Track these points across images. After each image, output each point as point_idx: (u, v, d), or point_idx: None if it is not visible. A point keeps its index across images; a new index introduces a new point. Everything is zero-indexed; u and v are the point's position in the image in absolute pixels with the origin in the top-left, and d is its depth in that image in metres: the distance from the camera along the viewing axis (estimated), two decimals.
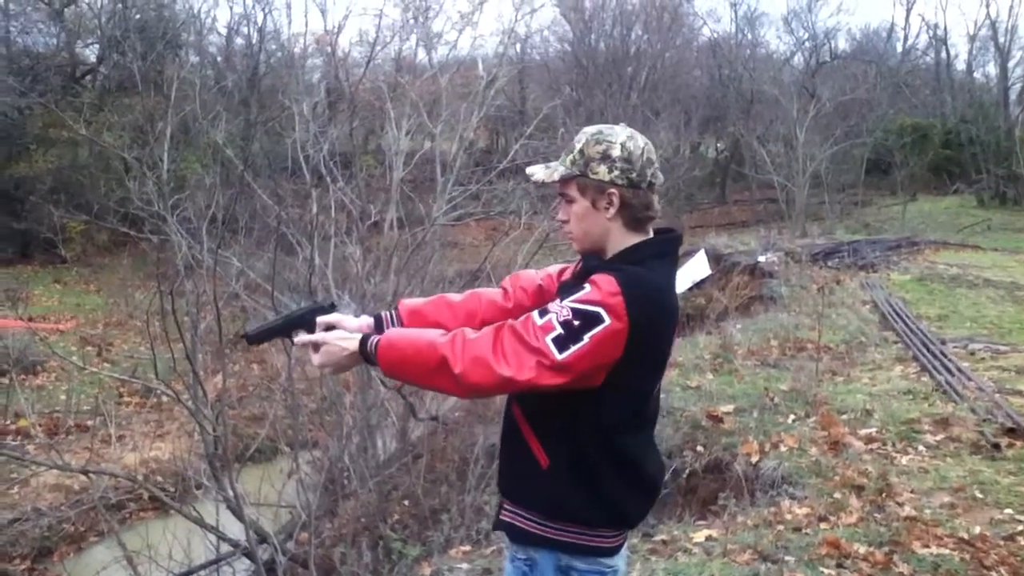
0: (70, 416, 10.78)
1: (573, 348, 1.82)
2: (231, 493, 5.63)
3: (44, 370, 12.60)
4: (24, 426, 9.46)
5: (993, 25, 31.01)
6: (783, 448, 5.57)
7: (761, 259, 15.82)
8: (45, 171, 20.25)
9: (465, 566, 4.46)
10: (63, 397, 11.47)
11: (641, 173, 1.98)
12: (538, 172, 2.10)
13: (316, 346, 2.07)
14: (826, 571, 3.82)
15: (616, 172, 1.97)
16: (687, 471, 5.78)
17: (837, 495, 4.71)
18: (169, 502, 6.27)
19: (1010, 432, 5.61)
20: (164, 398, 9.25)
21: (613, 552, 2.04)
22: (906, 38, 37.64)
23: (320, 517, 6.25)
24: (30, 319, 13.72)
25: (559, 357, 1.82)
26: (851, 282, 13.18)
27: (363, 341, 2.00)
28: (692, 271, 15.33)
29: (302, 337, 2.12)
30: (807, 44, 37.81)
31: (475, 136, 10.90)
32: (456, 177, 8.63)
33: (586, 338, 1.82)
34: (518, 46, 27.05)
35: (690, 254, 16.00)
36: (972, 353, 8.23)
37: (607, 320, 1.83)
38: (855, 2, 59.16)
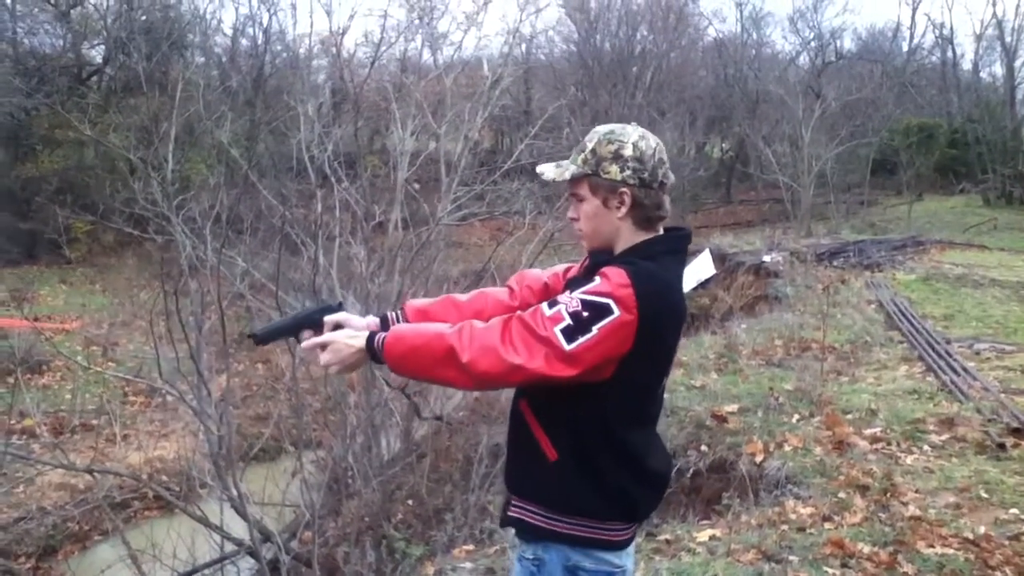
0: (75, 415, 10.80)
1: (581, 339, 1.83)
2: (235, 492, 5.64)
3: (49, 370, 12.63)
4: (29, 425, 9.47)
5: (999, 24, 30.92)
6: (787, 448, 5.56)
7: (766, 259, 15.80)
8: (51, 172, 20.29)
9: (469, 565, 4.46)
10: (68, 396, 11.49)
11: (653, 173, 1.99)
12: (549, 171, 2.10)
13: (323, 345, 2.07)
14: (830, 571, 3.81)
15: (628, 172, 1.98)
16: (691, 471, 5.78)
17: (842, 495, 4.70)
18: (173, 501, 6.28)
19: (1015, 432, 5.59)
20: (169, 398, 9.26)
21: (622, 546, 2.04)
22: (912, 37, 37.57)
23: (324, 516, 6.25)
24: (35, 319, 13.73)
25: (568, 348, 1.82)
26: (856, 282, 13.15)
27: (370, 338, 2.00)
28: (697, 271, 15.27)
29: (310, 340, 2.12)
30: (813, 44, 37.77)
31: (480, 136, 10.88)
32: (461, 177, 8.63)
33: (595, 329, 1.83)
34: (523, 46, 27.01)
35: (695, 254, 15.90)
36: (977, 353, 8.21)
37: (616, 312, 1.84)
38: (861, 2, 59.08)
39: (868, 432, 5.75)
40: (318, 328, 2.17)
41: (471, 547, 4.97)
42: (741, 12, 38.33)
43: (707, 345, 8.99)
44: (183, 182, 12.24)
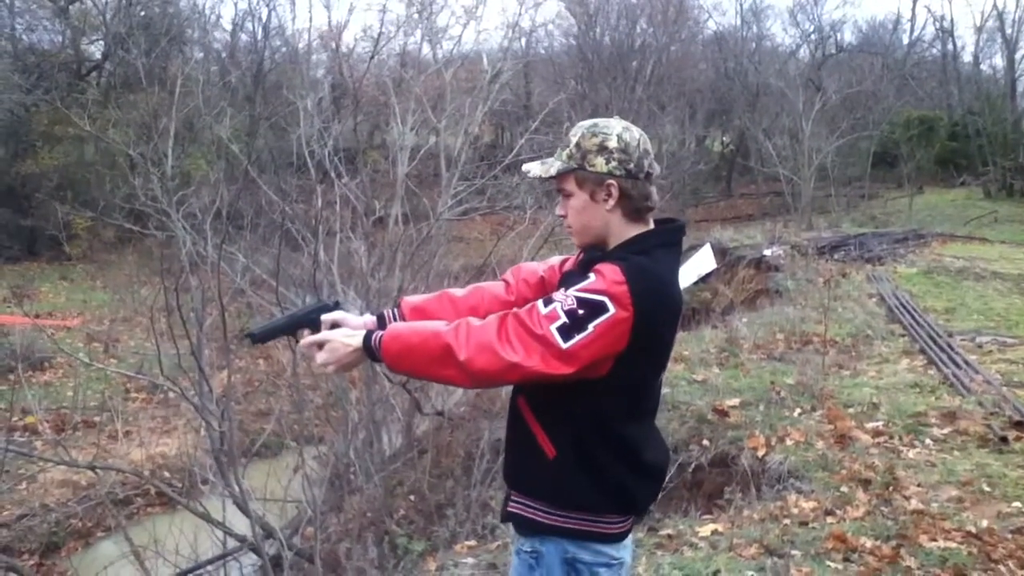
0: (77, 412, 10.81)
1: (577, 337, 1.83)
2: (237, 488, 5.64)
3: (51, 367, 12.64)
4: (31, 423, 9.49)
5: (1000, 16, 30.82)
6: (789, 442, 5.56)
7: (767, 252, 15.77)
8: (51, 168, 20.28)
9: (470, 561, 4.46)
10: (70, 393, 11.50)
11: (638, 164, 1.99)
12: (534, 168, 2.10)
13: (320, 344, 2.07)
14: (833, 565, 3.81)
15: (614, 163, 1.97)
16: (693, 465, 5.77)
17: (844, 489, 4.70)
18: (176, 497, 6.28)
19: (1017, 425, 5.59)
20: (170, 394, 9.26)
21: (619, 538, 2.05)
22: (912, 30, 37.50)
23: (326, 512, 6.26)
24: (37, 316, 13.75)
25: (564, 346, 1.82)
26: (857, 275, 13.14)
27: (367, 337, 2.00)
28: (698, 265, 15.31)
29: (307, 339, 2.12)
30: (813, 37, 37.72)
31: (480, 131, 10.87)
32: (461, 172, 8.62)
33: (591, 327, 1.83)
34: (522, 40, 26.93)
35: (696, 248, 15.96)
36: (979, 346, 8.20)
37: (612, 309, 1.84)
38: None
39: (870, 426, 5.75)
40: (315, 327, 2.17)
41: (473, 543, 4.97)
42: (741, 5, 38.54)
43: (708, 339, 8.99)
44: (183, 178, 12.25)
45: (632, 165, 1.98)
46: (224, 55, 28.66)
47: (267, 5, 30.17)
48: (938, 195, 28.11)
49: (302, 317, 2.23)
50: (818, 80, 30.01)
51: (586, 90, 28.82)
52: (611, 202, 1.99)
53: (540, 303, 1.89)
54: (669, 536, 4.41)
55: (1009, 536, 4.03)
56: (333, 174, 7.81)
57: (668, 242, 2.04)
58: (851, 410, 6.11)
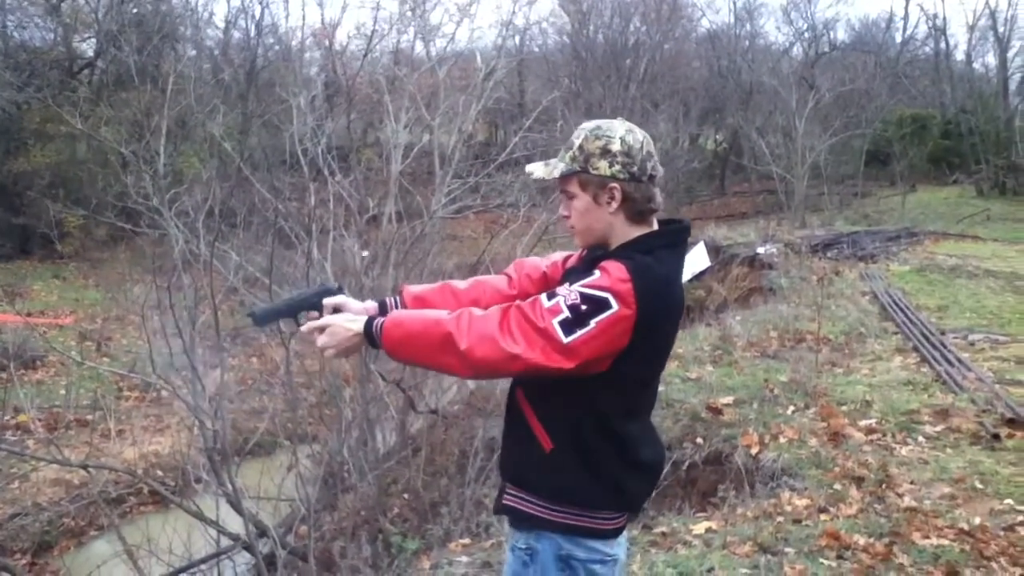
0: (69, 411, 10.77)
1: (579, 332, 1.83)
2: (230, 487, 5.63)
3: (43, 365, 12.60)
4: (24, 421, 9.44)
5: (992, 15, 30.96)
6: (783, 440, 5.57)
7: (760, 250, 15.80)
8: (43, 166, 20.18)
9: (465, 559, 4.46)
10: (62, 392, 11.46)
11: (642, 166, 1.99)
12: (538, 170, 2.11)
13: (320, 328, 2.07)
14: (826, 562, 3.81)
15: (617, 166, 1.98)
16: (687, 463, 5.77)
17: (837, 486, 4.71)
18: (169, 496, 6.26)
19: (1010, 423, 5.61)
20: (163, 393, 9.24)
21: (614, 535, 2.06)
22: (905, 28, 37.69)
23: (320, 511, 6.25)
24: (29, 314, 13.70)
25: (565, 340, 1.83)
26: (850, 273, 13.17)
27: (368, 323, 2.00)
28: (691, 263, 15.31)
29: (309, 323, 2.12)
30: (806, 35, 37.87)
31: (474, 129, 10.86)
32: (455, 170, 8.61)
33: (593, 323, 1.83)
34: (516, 38, 26.95)
35: (689, 246, 15.92)
36: (972, 344, 8.23)
37: (615, 306, 1.84)
38: None
39: (863, 423, 5.76)
40: (318, 311, 2.17)
41: (467, 541, 4.97)
42: (734, 3, 38.48)
43: (702, 337, 9.00)
44: (175, 176, 12.18)
45: (635, 168, 1.98)
46: (217, 53, 28.57)
47: (260, 2, 30.10)
48: (931, 193, 28.19)
49: (304, 300, 2.23)
50: (811, 78, 30.04)
51: (580, 88, 28.87)
52: (614, 205, 2.00)
53: (544, 296, 1.90)
54: (663, 534, 4.42)
55: (1001, 533, 4.04)
56: (326, 172, 7.80)
57: (672, 243, 2.05)
58: (844, 408, 6.12)
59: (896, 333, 8.86)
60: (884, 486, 4.64)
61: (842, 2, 66.49)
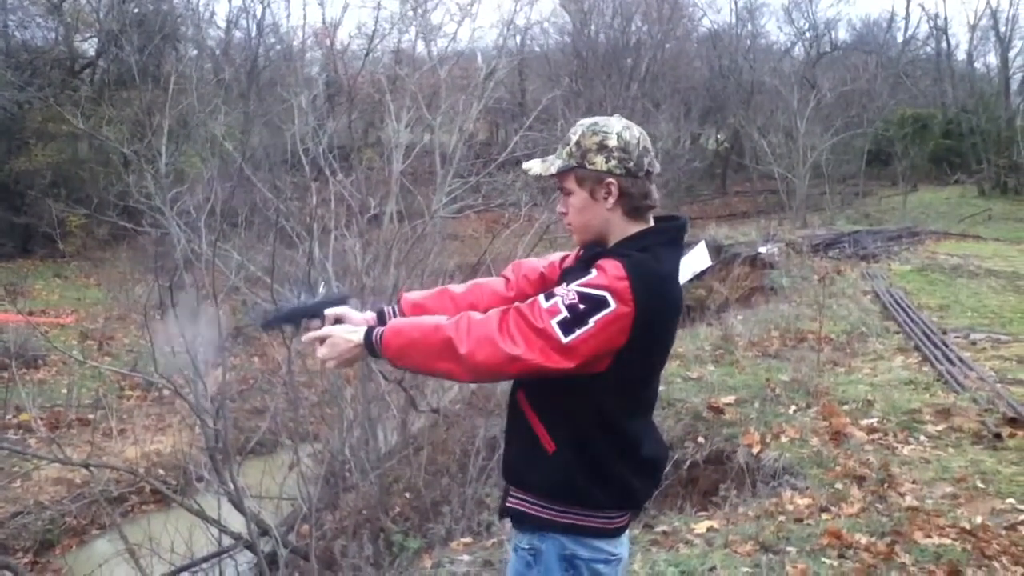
0: (71, 410, 10.78)
1: (578, 332, 1.83)
2: (232, 486, 5.63)
3: (45, 364, 12.61)
4: (25, 420, 9.46)
5: (994, 14, 30.95)
6: (784, 439, 5.57)
7: (762, 250, 15.79)
8: (44, 165, 20.19)
9: (466, 558, 4.46)
10: (64, 391, 11.47)
11: (638, 162, 1.99)
12: (535, 166, 2.11)
13: (321, 339, 2.09)
14: (828, 562, 3.82)
15: (613, 162, 1.98)
16: (688, 462, 5.78)
17: (839, 485, 4.71)
18: (170, 495, 6.26)
19: (1011, 422, 5.60)
20: (165, 392, 9.25)
21: (617, 533, 2.06)
22: (906, 28, 37.60)
23: (321, 510, 6.25)
24: (30, 313, 13.70)
25: (564, 340, 1.83)
26: (852, 273, 13.17)
27: (368, 333, 2.01)
28: (693, 262, 15.26)
29: (310, 335, 2.13)
30: (807, 34, 37.82)
31: (475, 128, 10.86)
32: (456, 169, 8.60)
33: (591, 322, 1.84)
34: (517, 38, 26.94)
35: (690, 245, 15.92)
36: (973, 343, 8.22)
37: (613, 305, 1.84)
38: None
39: (865, 423, 5.76)
40: (322, 319, 2.17)
41: (468, 540, 4.97)
42: (735, 3, 38.40)
43: (703, 337, 9.00)
44: (177, 175, 12.21)
45: (632, 164, 1.98)
46: (218, 52, 28.56)
47: (261, 2, 30.06)
48: (932, 193, 28.17)
49: (308, 309, 2.24)
50: (812, 78, 30.02)
51: (581, 87, 28.82)
52: (611, 200, 2.00)
53: (542, 297, 1.90)
54: (664, 533, 4.42)
55: (1003, 532, 4.04)
56: (328, 171, 7.79)
57: (669, 240, 2.04)
58: (846, 407, 6.12)
59: (898, 332, 8.86)
60: (886, 485, 4.64)
61: (843, 2, 66.50)
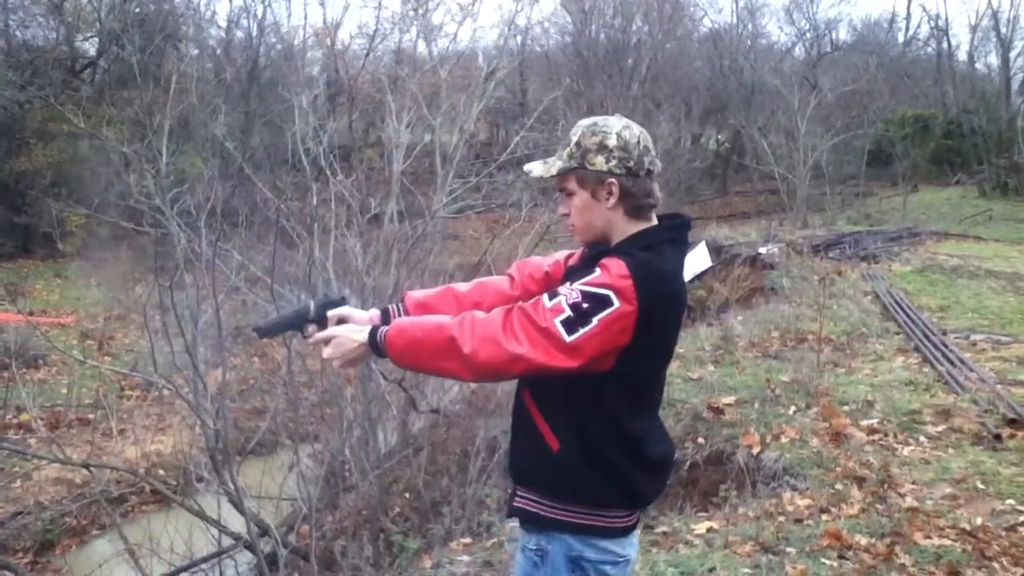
0: (71, 410, 10.78)
1: (582, 331, 1.83)
2: (232, 486, 5.63)
3: (45, 364, 12.61)
4: (26, 420, 9.46)
5: (995, 15, 30.94)
6: (784, 439, 5.56)
7: (762, 250, 15.79)
8: (45, 165, 20.22)
9: (466, 558, 4.45)
10: (64, 391, 11.47)
11: (639, 161, 1.99)
12: (536, 168, 2.11)
13: (326, 340, 2.09)
14: (827, 562, 3.81)
15: (614, 162, 1.98)
16: (688, 463, 5.77)
17: (839, 486, 4.71)
18: (170, 495, 6.27)
19: (1012, 423, 5.60)
20: (165, 392, 9.25)
21: (625, 533, 2.05)
22: (907, 28, 37.61)
23: (321, 510, 6.25)
24: (31, 313, 13.71)
25: (568, 339, 1.83)
26: (852, 273, 13.16)
27: (372, 332, 2.01)
28: (693, 263, 15.27)
29: (315, 335, 2.13)
30: (808, 35, 37.81)
31: (475, 128, 10.87)
32: (456, 169, 8.61)
33: (595, 321, 1.83)
34: (518, 38, 26.96)
35: (691, 246, 15.90)
36: (973, 344, 8.22)
37: (616, 303, 1.84)
38: None
39: (865, 423, 5.76)
40: (322, 322, 2.18)
41: (468, 540, 4.97)
42: (736, 3, 38.25)
43: (703, 337, 8.99)
44: (178, 175, 12.18)
45: (632, 163, 1.98)
46: (219, 52, 28.59)
47: (262, 2, 30.17)
48: (933, 193, 28.16)
49: (309, 312, 2.24)
50: (813, 78, 30.03)
51: (582, 87, 28.86)
52: (612, 200, 2.00)
53: (545, 296, 1.90)
54: (664, 533, 4.42)
55: (1003, 533, 4.04)
56: (328, 171, 7.80)
57: (673, 238, 2.04)
58: (846, 408, 6.12)
59: (898, 333, 8.85)
60: (886, 486, 4.63)
61: (844, 2, 66.51)
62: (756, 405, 6.32)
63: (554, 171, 2.05)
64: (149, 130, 8.30)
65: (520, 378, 2.05)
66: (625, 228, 2.02)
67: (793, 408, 6.23)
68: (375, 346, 2.00)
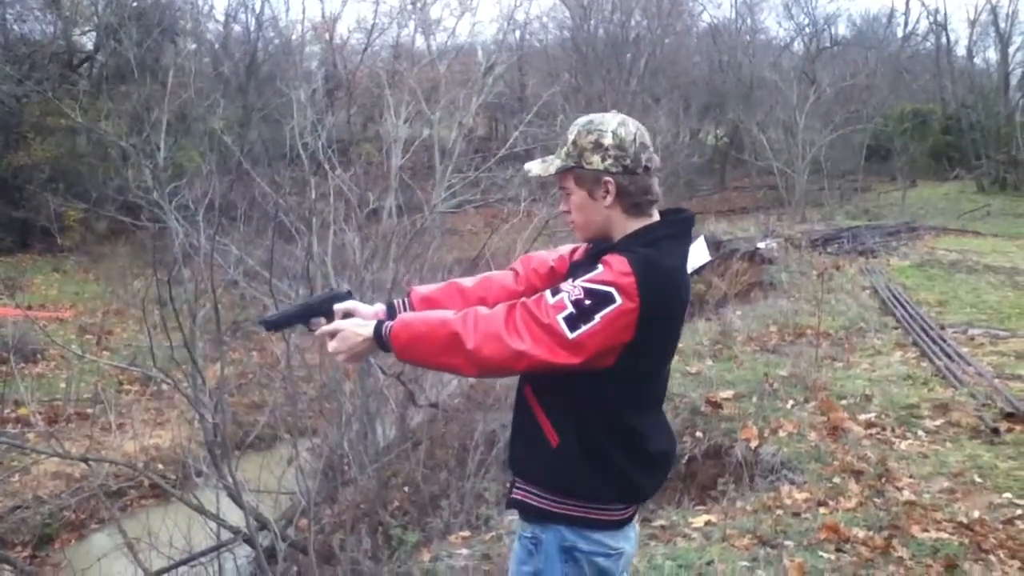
0: (70, 404, 10.77)
1: (584, 327, 1.84)
2: (231, 480, 5.63)
3: (44, 358, 12.59)
4: (24, 414, 9.45)
5: (994, 10, 30.88)
6: (782, 433, 5.58)
7: (761, 245, 15.80)
8: (43, 160, 20.15)
9: (465, 551, 4.47)
10: (63, 385, 11.46)
11: (635, 159, 1.99)
12: (535, 167, 2.13)
13: (331, 333, 2.10)
14: (825, 555, 3.83)
15: (610, 160, 1.98)
16: (686, 457, 5.79)
17: (836, 480, 4.73)
18: (169, 489, 6.28)
19: (1009, 417, 5.62)
20: (164, 386, 9.25)
21: (619, 526, 2.07)
22: (906, 23, 37.55)
23: (320, 504, 6.26)
24: (29, 308, 13.71)
25: (570, 336, 1.84)
26: (851, 268, 13.17)
27: (377, 326, 2.02)
28: (692, 257, 15.15)
29: (323, 329, 2.14)
30: (807, 30, 37.74)
31: (474, 123, 10.85)
32: (455, 164, 8.60)
33: (597, 318, 1.84)
34: (517, 32, 26.98)
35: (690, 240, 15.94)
36: (971, 338, 8.23)
37: (619, 300, 1.85)
38: None
39: (863, 417, 5.77)
40: (328, 316, 2.18)
41: (467, 533, 4.98)
42: None
43: (702, 332, 9.00)
44: (176, 169, 12.18)
45: (628, 161, 1.99)
46: (217, 46, 28.50)
47: None
48: (931, 188, 28.17)
49: (315, 306, 2.25)
50: (812, 73, 30.01)
51: (580, 83, 28.81)
52: (609, 199, 2.01)
53: (548, 293, 1.91)
54: (663, 527, 4.43)
55: (1000, 527, 4.06)
56: (327, 166, 7.78)
57: (675, 233, 2.05)
58: (844, 402, 6.13)
59: (896, 328, 8.87)
60: (883, 480, 4.65)
61: None
62: (754, 399, 6.33)
63: (552, 170, 2.06)
64: (147, 124, 8.26)
65: (522, 374, 2.06)
66: (625, 225, 2.03)
67: (791, 402, 6.24)
68: (380, 341, 2.00)
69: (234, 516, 5.99)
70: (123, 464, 7.05)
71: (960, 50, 34.70)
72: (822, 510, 4.36)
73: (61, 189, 19.24)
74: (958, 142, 29.47)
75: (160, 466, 9.25)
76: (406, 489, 6.44)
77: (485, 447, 6.10)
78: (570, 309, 1.85)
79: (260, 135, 21.12)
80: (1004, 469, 4.82)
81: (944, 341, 7.84)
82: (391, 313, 2.20)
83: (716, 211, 26.24)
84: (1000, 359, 7.39)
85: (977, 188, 27.06)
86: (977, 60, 34.43)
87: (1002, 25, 30.31)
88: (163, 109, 7.98)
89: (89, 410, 10.51)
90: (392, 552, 5.36)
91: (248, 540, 5.71)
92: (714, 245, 16.36)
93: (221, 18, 29.79)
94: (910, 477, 4.72)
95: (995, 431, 5.38)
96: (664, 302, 1.94)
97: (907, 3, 46.50)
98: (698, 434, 5.98)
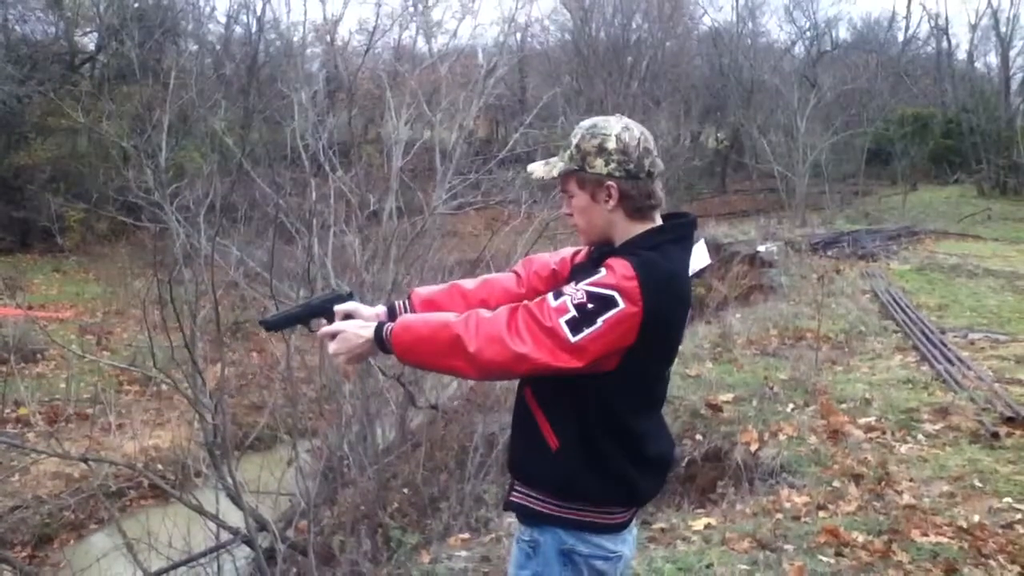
0: (70, 404, 10.76)
1: (587, 331, 1.84)
2: (230, 481, 5.63)
3: (44, 359, 12.59)
4: (24, 414, 9.45)
5: (995, 14, 30.89)
6: (782, 437, 5.58)
7: (761, 248, 15.80)
8: (44, 160, 20.19)
9: (464, 554, 4.47)
10: (63, 385, 11.46)
11: (639, 164, 1.99)
12: (537, 170, 2.13)
13: (332, 334, 2.09)
14: (825, 559, 3.82)
15: (613, 165, 1.98)
16: (686, 460, 5.79)
17: (836, 484, 4.72)
18: (169, 490, 6.26)
19: (1009, 421, 5.62)
20: (163, 387, 9.24)
21: (617, 529, 2.06)
22: (907, 27, 37.64)
23: (319, 505, 6.25)
24: (29, 308, 13.70)
25: (573, 339, 1.84)
26: (851, 272, 13.17)
27: (378, 328, 2.02)
28: (692, 261, 15.27)
29: (324, 330, 2.14)
30: (808, 33, 37.81)
31: (475, 125, 10.84)
32: (456, 166, 8.59)
33: (600, 321, 1.84)
34: (518, 35, 26.90)
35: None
36: (972, 342, 8.23)
37: (621, 304, 1.85)
38: None
39: (863, 421, 5.77)
40: (328, 317, 2.18)
41: (466, 535, 4.98)
42: (736, 1, 38.17)
43: (702, 335, 9.01)
44: (177, 170, 12.20)
45: (632, 166, 1.98)
46: (218, 48, 28.53)
47: None
48: (932, 192, 28.16)
49: (316, 307, 2.25)
50: (813, 77, 30.02)
51: (581, 85, 28.84)
52: (611, 203, 2.01)
53: (550, 296, 1.90)
54: (662, 530, 4.43)
55: (1000, 531, 4.05)
56: (327, 167, 7.78)
57: (677, 237, 2.05)
58: (844, 405, 6.13)
59: (896, 331, 8.86)
60: (883, 484, 4.65)
61: (844, 1, 66.40)
62: (754, 402, 6.33)
63: (555, 173, 2.06)
64: (148, 125, 8.26)
65: (523, 377, 2.06)
66: (627, 229, 2.03)
67: (791, 406, 6.24)
68: (380, 342, 2.00)
69: (233, 517, 5.99)
70: (123, 464, 7.03)
71: (961, 54, 34.82)
72: (822, 514, 4.36)
73: (62, 189, 19.27)
74: (959, 146, 29.47)
75: (160, 467, 9.24)
76: (406, 491, 6.44)
77: (485, 449, 6.10)
78: (572, 312, 1.84)
79: (261, 136, 21.13)
80: (1004, 473, 4.82)
81: (944, 345, 7.84)
82: (392, 315, 2.20)
83: (716, 214, 26.26)
84: (1000, 363, 7.39)
85: (978, 192, 27.05)
86: (978, 64, 34.51)
87: (1003, 29, 30.34)
88: (164, 110, 7.97)
89: (89, 410, 10.50)
90: (391, 554, 5.36)
91: (247, 541, 5.71)
92: (714, 248, 16.36)
93: (223, 19, 29.84)
94: (910, 481, 4.72)
95: (995, 435, 5.37)
96: (667, 307, 1.93)
97: (908, 7, 46.75)
98: (698, 437, 5.98)
